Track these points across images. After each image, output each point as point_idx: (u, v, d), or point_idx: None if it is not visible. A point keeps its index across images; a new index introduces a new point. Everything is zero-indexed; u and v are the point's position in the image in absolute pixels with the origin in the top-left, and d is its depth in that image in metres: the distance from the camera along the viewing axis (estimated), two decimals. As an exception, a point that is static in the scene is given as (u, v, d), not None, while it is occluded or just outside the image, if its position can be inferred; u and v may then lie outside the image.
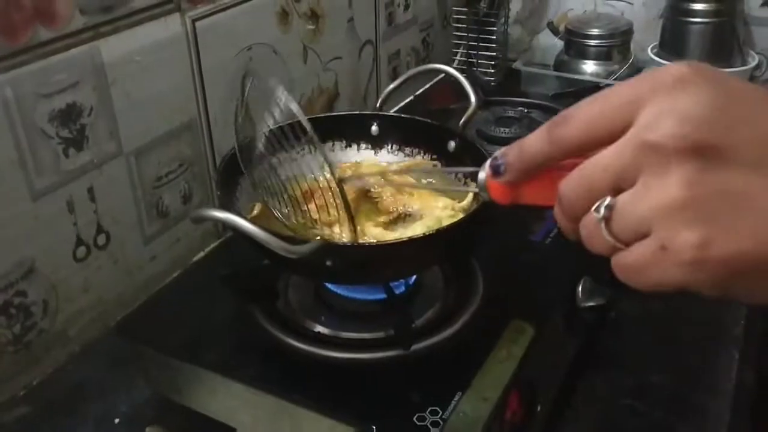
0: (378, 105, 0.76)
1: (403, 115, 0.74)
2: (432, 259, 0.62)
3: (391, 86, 0.76)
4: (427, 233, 0.55)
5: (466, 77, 0.73)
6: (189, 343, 0.66)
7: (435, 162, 0.72)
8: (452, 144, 0.70)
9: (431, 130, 0.72)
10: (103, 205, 0.76)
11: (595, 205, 0.35)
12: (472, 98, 0.71)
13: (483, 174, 0.43)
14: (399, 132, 0.73)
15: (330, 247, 0.53)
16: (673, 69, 0.34)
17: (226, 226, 0.51)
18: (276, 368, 0.62)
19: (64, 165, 0.71)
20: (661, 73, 0.34)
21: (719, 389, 0.72)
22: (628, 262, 0.35)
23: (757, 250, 0.33)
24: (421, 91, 1.31)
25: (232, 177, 0.65)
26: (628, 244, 0.35)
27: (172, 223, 0.87)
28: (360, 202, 0.67)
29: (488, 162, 0.42)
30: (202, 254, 0.88)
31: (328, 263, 0.54)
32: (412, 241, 0.55)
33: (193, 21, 0.82)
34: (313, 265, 0.53)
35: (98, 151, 0.74)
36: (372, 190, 0.68)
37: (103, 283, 0.79)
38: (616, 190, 0.34)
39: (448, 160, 0.71)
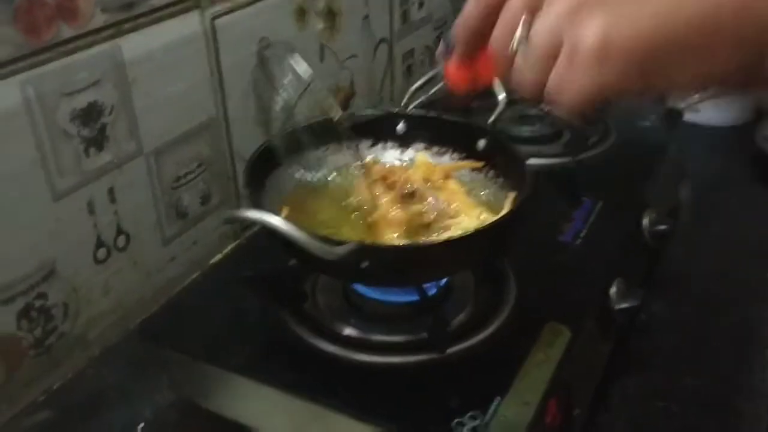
0: (404, 103, 0.74)
1: (430, 114, 0.72)
2: (470, 260, 0.61)
3: (418, 83, 0.74)
4: (466, 233, 0.54)
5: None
6: (214, 346, 0.64)
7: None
8: (482, 143, 0.69)
9: (460, 129, 0.70)
10: (123, 206, 0.75)
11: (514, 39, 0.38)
12: (501, 95, 0.70)
13: (441, 59, 0.46)
14: (426, 131, 0.72)
15: (368, 248, 0.52)
16: None
17: (261, 226, 0.50)
18: (306, 372, 0.61)
19: (85, 165, 0.69)
20: None
21: (755, 391, 0.71)
22: (552, 84, 0.36)
23: (658, 30, 0.34)
24: (433, 90, 1.29)
25: (258, 177, 0.64)
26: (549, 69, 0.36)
27: (190, 224, 0.85)
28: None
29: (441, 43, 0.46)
30: (219, 256, 0.86)
31: (364, 265, 0.52)
32: (451, 242, 0.53)
33: (212, 19, 0.80)
34: (347, 266, 0.52)
35: (118, 151, 0.73)
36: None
37: (123, 285, 0.77)
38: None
39: (477, 159, 0.69)
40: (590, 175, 0.88)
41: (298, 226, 0.49)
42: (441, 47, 0.44)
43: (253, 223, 0.49)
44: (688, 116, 1.15)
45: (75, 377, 0.73)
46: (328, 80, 1.04)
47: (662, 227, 0.80)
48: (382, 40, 1.16)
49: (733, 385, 0.72)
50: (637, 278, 0.73)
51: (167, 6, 0.75)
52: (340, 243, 0.50)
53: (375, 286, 0.62)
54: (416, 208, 0.64)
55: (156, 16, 0.74)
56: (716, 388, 0.71)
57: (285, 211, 0.64)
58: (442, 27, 1.35)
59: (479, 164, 0.69)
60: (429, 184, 0.68)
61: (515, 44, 0.38)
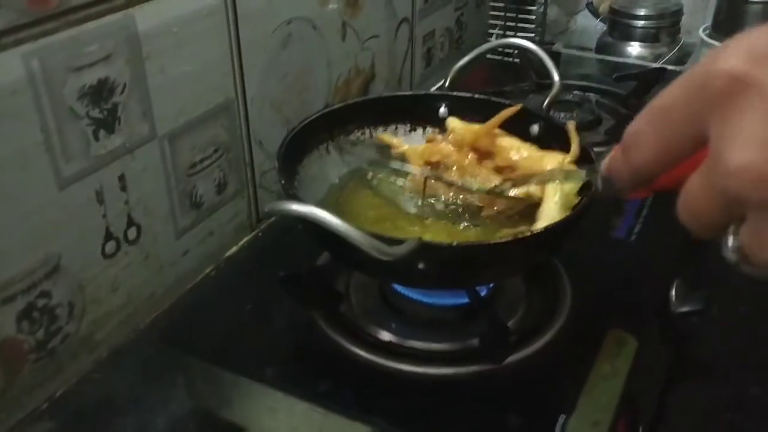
0: (447, 84, 0.68)
1: (476, 95, 0.65)
2: (535, 259, 0.55)
3: (462, 62, 0.68)
4: (534, 232, 0.48)
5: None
6: (235, 350, 0.58)
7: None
8: (536, 128, 0.62)
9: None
10: (134, 195, 0.68)
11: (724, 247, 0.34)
12: (556, 77, 0.64)
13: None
14: (472, 114, 0.65)
15: (428, 248, 0.45)
16: (725, 67, 0.29)
17: (307, 220, 0.43)
18: (340, 382, 0.55)
19: (94, 149, 0.62)
20: (713, 78, 0.30)
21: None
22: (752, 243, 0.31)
23: None
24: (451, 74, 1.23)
25: (291, 164, 0.57)
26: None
27: (205, 215, 0.78)
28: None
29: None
30: (235, 248, 0.81)
31: (421, 266, 0.46)
32: (519, 241, 0.47)
33: (232, -11, 0.73)
34: (403, 267, 0.45)
35: (130, 134, 0.66)
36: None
37: (133, 281, 0.71)
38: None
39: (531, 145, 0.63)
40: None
41: (349, 221, 0.42)
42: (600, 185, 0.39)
43: (297, 217, 0.42)
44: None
45: (80, 382, 0.66)
46: (349, 62, 0.98)
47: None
48: (403, 20, 1.09)
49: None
50: (697, 278, 0.67)
51: (184, -26, 0.68)
52: (397, 241, 0.43)
53: (428, 288, 0.56)
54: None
55: (172, -15, 0.67)
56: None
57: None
58: (463, 8, 1.28)
59: (518, 107, 0.62)
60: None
61: (731, 254, 0.34)
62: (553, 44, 1.28)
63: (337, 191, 0.63)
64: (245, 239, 0.81)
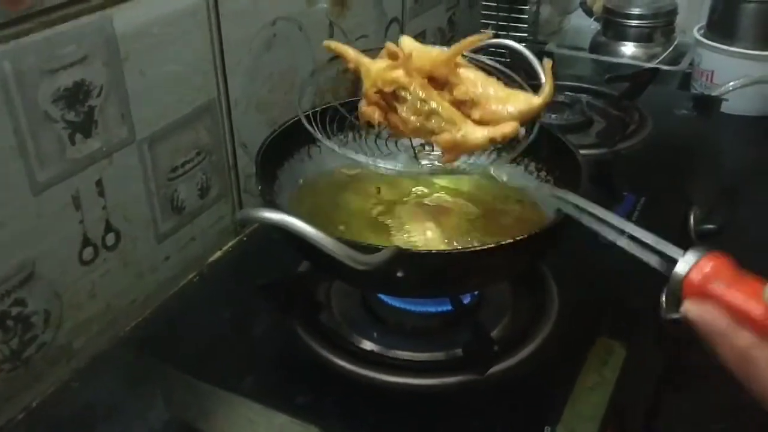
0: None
1: (463, 98, 0.63)
2: (519, 265, 0.53)
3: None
4: (518, 238, 0.46)
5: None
6: (215, 360, 0.57)
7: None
8: (522, 131, 0.60)
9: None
10: (113, 200, 0.66)
11: None
12: (543, 78, 0.62)
13: (683, 268, 0.40)
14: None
15: (407, 255, 0.44)
16: None
17: (278, 229, 0.42)
18: (321, 394, 0.53)
19: (70, 153, 0.61)
20: None
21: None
22: None
23: None
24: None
25: (270, 169, 0.56)
26: None
27: (187, 220, 0.77)
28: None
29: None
30: (219, 253, 0.79)
31: (400, 274, 0.44)
32: (501, 248, 0.45)
33: (214, -11, 0.72)
34: (381, 276, 0.44)
35: (108, 138, 0.64)
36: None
37: (112, 288, 0.69)
38: None
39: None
40: (629, 167, 0.80)
41: (324, 230, 0.41)
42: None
43: (271, 225, 0.41)
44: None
45: (58, 392, 0.65)
46: (337, 63, 0.96)
47: (710, 226, 0.73)
48: (393, 20, 1.07)
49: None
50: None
51: (164, -27, 0.66)
52: (374, 249, 0.42)
53: (408, 296, 0.55)
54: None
55: (151, -16, 0.65)
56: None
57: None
58: (455, 8, 1.26)
59: (487, 35, 0.58)
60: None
61: None
62: (546, 44, 1.27)
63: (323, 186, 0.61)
64: (229, 244, 0.80)
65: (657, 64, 1.16)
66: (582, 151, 0.81)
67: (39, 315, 0.62)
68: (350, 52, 0.55)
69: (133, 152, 0.68)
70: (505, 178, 0.55)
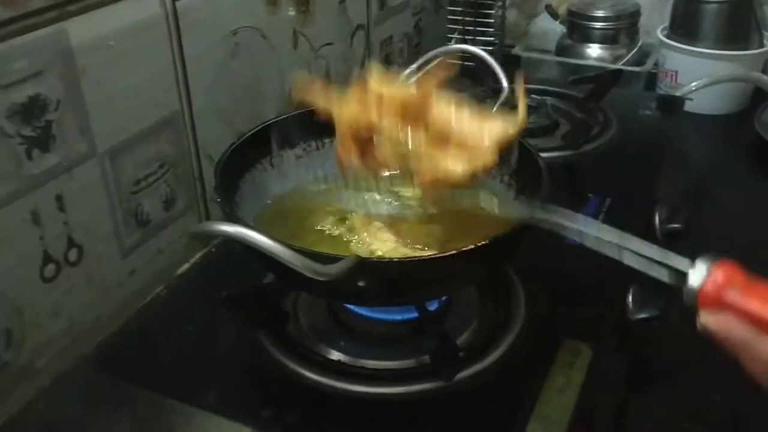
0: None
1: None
2: (482, 272, 0.53)
3: (407, 71, 0.66)
4: (480, 244, 0.46)
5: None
6: (181, 376, 0.56)
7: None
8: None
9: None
10: (74, 215, 0.65)
11: None
12: (504, 83, 0.62)
13: (696, 281, 0.39)
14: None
15: (366, 265, 0.43)
16: None
17: (237, 242, 0.41)
18: (289, 406, 0.52)
19: (27, 169, 0.60)
20: None
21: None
22: None
23: None
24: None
25: (231, 179, 0.55)
26: None
27: (152, 233, 0.76)
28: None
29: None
30: (187, 266, 0.78)
31: (361, 283, 0.44)
32: (462, 254, 0.45)
33: (173, 0, 0.71)
34: (342, 286, 0.43)
35: (67, 152, 0.63)
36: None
37: (76, 304, 0.68)
38: None
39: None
40: (594, 168, 0.81)
41: (282, 241, 0.40)
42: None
43: (227, 238, 0.40)
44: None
45: (22, 412, 0.63)
46: (302, 70, 0.96)
47: (675, 226, 0.73)
48: (359, 27, 1.07)
49: (760, 400, 0.65)
50: (655, 284, 0.65)
51: (120, -15, 0.65)
52: (334, 259, 0.41)
53: (373, 306, 0.54)
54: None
55: (108, -4, 0.65)
56: (742, 405, 0.64)
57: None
58: (421, 13, 1.27)
59: (450, 71, 0.56)
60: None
61: None
62: (513, 47, 1.27)
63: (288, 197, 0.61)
64: (197, 256, 0.79)
65: (622, 65, 1.17)
66: (547, 154, 0.82)
67: (0, 334, 0.61)
68: (319, 100, 0.54)
69: (94, 166, 0.67)
70: (496, 210, 0.54)
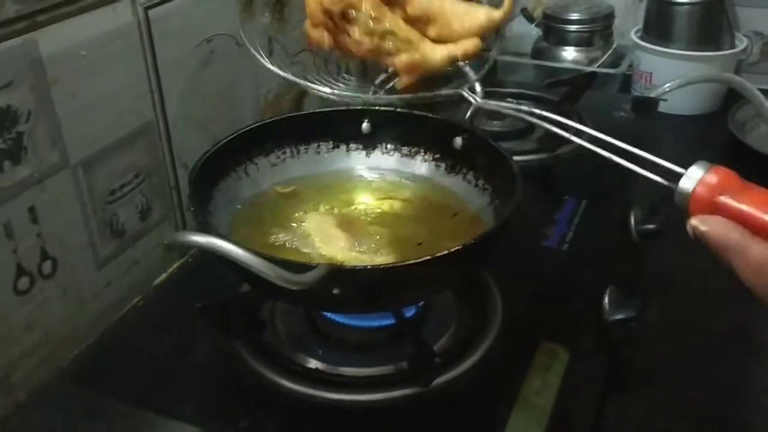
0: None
1: (399, 110, 0.64)
2: (457, 277, 0.53)
3: (382, 77, 0.66)
4: (453, 250, 0.46)
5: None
6: (158, 388, 0.56)
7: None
8: (459, 141, 0.61)
9: (434, 126, 0.63)
10: (47, 227, 0.64)
11: None
12: (478, 88, 0.62)
13: (689, 184, 0.38)
14: (395, 129, 0.64)
15: (340, 272, 0.43)
16: None
17: (209, 252, 0.41)
18: (267, 416, 0.52)
19: (-2, 181, 0.59)
20: None
21: (760, 404, 0.65)
22: None
23: None
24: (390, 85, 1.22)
25: (204, 188, 0.55)
26: None
27: (128, 243, 0.75)
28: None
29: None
30: (164, 276, 0.78)
31: (336, 291, 0.44)
32: (435, 260, 0.45)
33: (146, 9, 0.71)
34: (316, 295, 0.43)
35: (39, 164, 0.63)
36: None
37: (51, 317, 0.67)
38: None
39: (454, 159, 0.61)
40: (569, 171, 0.81)
41: (255, 250, 0.40)
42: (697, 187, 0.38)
43: (199, 248, 0.40)
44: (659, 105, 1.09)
45: (-3, 428, 0.63)
46: (278, 77, 0.95)
47: (651, 226, 0.74)
48: (334, 33, 1.07)
49: (738, 396, 0.66)
50: (630, 284, 0.66)
51: (91, -6, 0.65)
52: (307, 268, 0.41)
53: (350, 313, 0.54)
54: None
55: (79, 5, 0.64)
56: (720, 402, 0.65)
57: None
58: (397, 18, 1.27)
59: None
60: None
61: None
62: (489, 51, 1.28)
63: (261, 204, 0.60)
64: (175, 266, 0.78)
65: (597, 67, 1.18)
66: (523, 157, 0.83)
67: (-28, 350, 0.60)
68: None
69: (67, 177, 0.66)
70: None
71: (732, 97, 1.13)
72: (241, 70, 0.87)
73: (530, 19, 1.30)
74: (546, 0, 1.31)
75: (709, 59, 1.12)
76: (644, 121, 0.95)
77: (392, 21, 0.47)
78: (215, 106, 0.84)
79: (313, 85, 0.51)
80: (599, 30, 1.21)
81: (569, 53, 1.22)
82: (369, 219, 0.60)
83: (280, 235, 0.55)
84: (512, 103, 0.95)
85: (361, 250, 0.55)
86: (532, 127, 0.89)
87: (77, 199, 0.68)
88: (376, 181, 0.63)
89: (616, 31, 1.25)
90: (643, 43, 1.16)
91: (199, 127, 0.82)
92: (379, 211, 0.60)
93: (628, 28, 1.22)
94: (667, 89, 1.06)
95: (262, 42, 0.90)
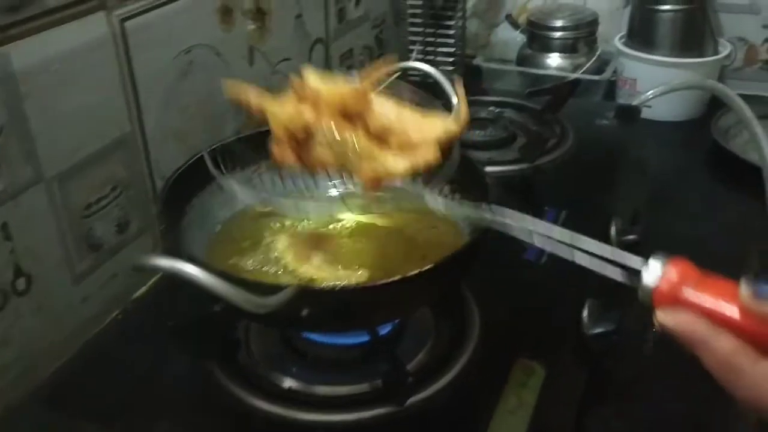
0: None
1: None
2: (430, 296, 0.53)
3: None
4: (421, 270, 0.45)
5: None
6: (132, 409, 0.55)
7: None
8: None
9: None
10: (21, 243, 0.64)
11: None
12: (454, 99, 0.62)
13: (651, 279, 0.39)
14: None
15: (307, 293, 0.43)
16: None
17: (174, 276, 0.40)
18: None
19: (-32, 198, 0.58)
20: None
21: (741, 416, 0.65)
22: None
23: None
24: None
25: (177, 205, 0.54)
26: None
27: (106, 257, 0.74)
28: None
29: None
30: (143, 289, 0.77)
31: (305, 312, 0.43)
32: (406, 280, 0.45)
33: (122, 21, 0.70)
34: (285, 316, 0.43)
35: (12, 179, 0.62)
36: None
37: (27, 334, 0.66)
38: None
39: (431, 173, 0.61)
40: (550, 181, 0.81)
41: (222, 272, 0.40)
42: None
43: (166, 273, 0.40)
44: (642, 112, 1.09)
45: (-29, 446, 0.62)
46: (259, 86, 0.95)
47: (631, 237, 0.74)
48: (317, 41, 1.07)
49: (718, 407, 0.65)
50: (610, 297, 0.66)
51: (65, 7, 0.64)
52: (274, 289, 0.41)
53: (320, 332, 0.54)
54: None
55: (52, 18, 0.63)
56: (702, 414, 0.64)
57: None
58: (381, 25, 1.26)
59: (393, 60, 0.55)
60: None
61: None
62: (475, 57, 1.28)
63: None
64: (154, 279, 0.78)
65: (581, 74, 1.18)
66: (504, 167, 0.82)
67: (-55, 367, 0.59)
68: (252, 98, 0.53)
69: (41, 192, 0.65)
70: (442, 209, 0.53)
71: (716, 104, 1.13)
72: (220, 81, 0.86)
73: (515, 25, 1.30)
74: (530, 6, 1.31)
75: (692, 66, 1.12)
76: (627, 129, 0.95)
77: (353, 137, 0.48)
78: (194, 116, 0.83)
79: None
80: (583, 36, 1.20)
81: (554, 60, 1.22)
82: (346, 234, 0.59)
83: (254, 254, 0.54)
84: (494, 110, 0.96)
85: (337, 267, 0.54)
86: (514, 135, 0.88)
87: (52, 214, 0.67)
88: (354, 196, 0.62)
89: (601, 37, 1.24)
90: (626, 50, 1.16)
91: (178, 138, 0.81)
92: (357, 226, 0.60)
93: (613, 35, 1.22)
94: (650, 96, 1.06)
95: (243, 51, 0.90)
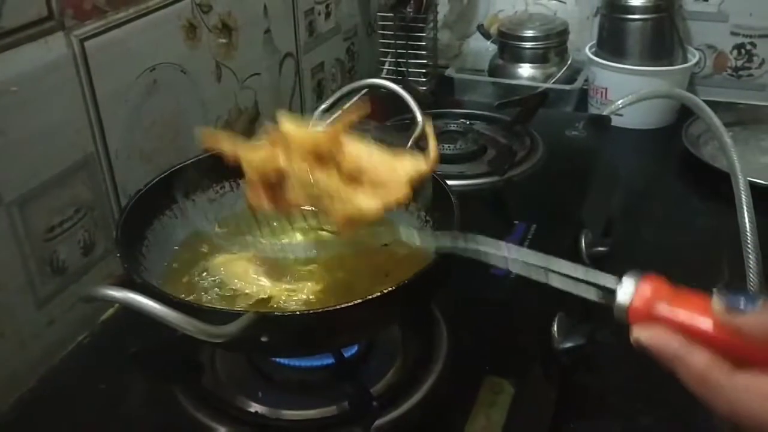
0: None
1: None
2: (393, 317, 0.52)
3: (322, 107, 0.65)
4: (384, 291, 0.45)
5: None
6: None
7: None
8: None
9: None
10: (-20, 269, 0.62)
11: None
12: (419, 116, 0.62)
13: (625, 297, 0.39)
14: (335, 161, 0.62)
15: (266, 320, 0.42)
16: None
17: (126, 306, 0.39)
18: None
19: (-76, 226, 0.57)
20: None
21: (712, 428, 0.64)
22: None
23: None
24: (347, 105, 1.20)
25: (136, 230, 0.53)
26: None
27: (71, 280, 0.73)
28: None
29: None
30: (111, 311, 0.75)
31: (264, 339, 0.42)
32: (367, 303, 0.44)
33: (81, 41, 0.69)
34: (244, 342, 0.42)
35: (-30, 205, 0.61)
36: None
37: (-12, 362, 0.65)
38: None
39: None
40: (520, 194, 0.81)
41: (176, 300, 0.39)
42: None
43: (118, 303, 0.39)
44: (613, 120, 1.10)
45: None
46: (228, 103, 0.94)
47: (602, 249, 0.73)
48: (287, 55, 1.06)
49: (691, 420, 0.65)
50: (580, 310, 0.65)
51: (21, 28, 0.63)
52: (231, 317, 0.40)
53: (281, 357, 0.53)
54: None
55: (8, 41, 0.62)
56: (673, 426, 0.64)
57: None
58: (353, 38, 1.26)
59: (364, 110, 0.54)
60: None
61: None
62: (447, 68, 1.28)
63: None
64: (120, 300, 0.76)
65: (553, 83, 1.18)
66: (474, 181, 0.82)
67: None
68: (226, 146, 0.53)
69: (1, 217, 0.64)
70: (417, 243, 0.53)
71: (686, 111, 1.13)
72: (188, 98, 0.86)
73: (487, 35, 1.30)
74: (501, 17, 1.31)
75: (661, 74, 1.12)
76: (597, 138, 0.95)
77: (325, 182, 0.49)
78: (161, 135, 0.82)
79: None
80: (554, 46, 1.21)
81: (525, 70, 1.22)
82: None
83: (211, 277, 0.53)
84: (465, 123, 0.96)
85: (294, 282, 0.54)
86: (484, 148, 0.88)
87: (12, 238, 0.66)
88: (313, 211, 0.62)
89: (572, 46, 1.25)
90: (597, 59, 1.16)
91: (144, 157, 0.80)
92: (316, 239, 0.59)
93: (584, 44, 1.23)
94: (621, 105, 1.07)
95: (209, 68, 0.89)
